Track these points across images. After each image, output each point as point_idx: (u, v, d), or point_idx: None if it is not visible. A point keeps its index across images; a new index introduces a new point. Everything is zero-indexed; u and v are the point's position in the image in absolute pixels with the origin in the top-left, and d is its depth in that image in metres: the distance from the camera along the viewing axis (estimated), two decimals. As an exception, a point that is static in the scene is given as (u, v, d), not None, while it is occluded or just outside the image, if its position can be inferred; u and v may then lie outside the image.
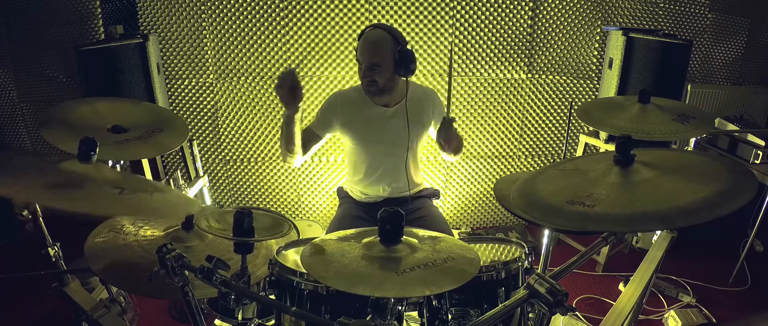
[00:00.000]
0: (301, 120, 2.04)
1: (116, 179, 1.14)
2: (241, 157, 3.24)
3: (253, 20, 2.94)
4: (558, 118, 3.31)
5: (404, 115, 2.12)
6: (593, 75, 3.21)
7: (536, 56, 3.14)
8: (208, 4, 2.91)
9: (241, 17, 2.94)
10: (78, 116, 1.75)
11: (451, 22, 3.00)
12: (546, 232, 1.78)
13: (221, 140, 3.20)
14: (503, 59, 3.12)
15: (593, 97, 3.24)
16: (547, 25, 3.09)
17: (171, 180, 2.72)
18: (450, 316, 1.35)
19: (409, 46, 2.04)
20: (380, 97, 2.13)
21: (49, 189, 1.02)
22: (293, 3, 2.91)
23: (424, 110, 2.21)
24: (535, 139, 3.34)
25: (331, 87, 3.07)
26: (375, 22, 2.94)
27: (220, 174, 3.29)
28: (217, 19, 2.94)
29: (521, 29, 3.07)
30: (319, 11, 2.93)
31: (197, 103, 3.11)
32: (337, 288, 1.12)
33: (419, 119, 2.20)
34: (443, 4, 2.96)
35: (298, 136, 2.06)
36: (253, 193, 3.35)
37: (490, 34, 3.06)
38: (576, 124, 3.31)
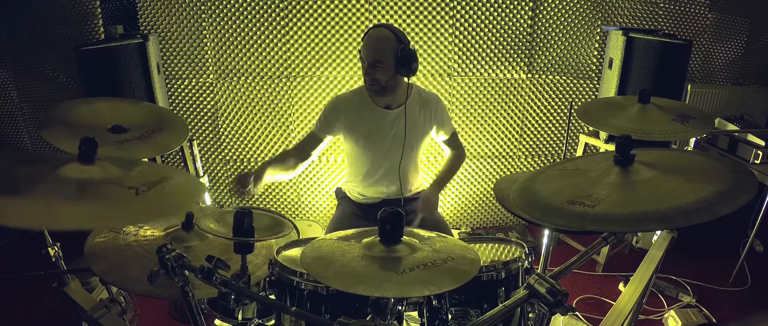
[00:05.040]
0: (275, 167, 2.09)
1: (121, 175, 1.13)
2: (241, 157, 3.24)
3: (253, 20, 2.94)
4: (558, 118, 3.31)
5: (405, 118, 2.12)
6: (593, 75, 3.21)
7: (536, 56, 3.14)
8: (208, 4, 2.91)
9: (241, 17, 2.94)
10: (78, 116, 1.74)
11: (451, 22, 3.00)
12: (546, 232, 1.78)
13: (221, 140, 3.20)
14: (503, 59, 3.12)
15: (593, 97, 3.24)
16: (547, 25, 3.09)
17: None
18: (450, 316, 1.35)
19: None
20: (382, 98, 2.12)
21: (58, 203, 0.97)
22: (293, 3, 2.91)
23: (425, 115, 2.21)
24: (535, 139, 3.34)
25: (331, 87, 3.07)
26: (375, 22, 2.95)
27: (220, 175, 3.29)
28: (217, 19, 2.94)
29: (521, 29, 3.07)
30: (319, 11, 2.93)
31: (197, 103, 3.11)
32: (337, 288, 1.12)
33: (419, 123, 2.20)
34: (443, 4, 2.96)
35: (283, 172, 2.13)
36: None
37: (490, 34, 3.06)
38: (576, 124, 3.31)
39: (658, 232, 1.86)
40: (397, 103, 2.16)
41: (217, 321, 1.73)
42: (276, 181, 2.06)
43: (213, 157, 3.24)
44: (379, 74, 2.02)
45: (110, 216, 0.96)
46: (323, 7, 2.92)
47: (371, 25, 2.10)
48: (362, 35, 2.08)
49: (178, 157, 3.15)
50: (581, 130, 3.19)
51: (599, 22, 3.11)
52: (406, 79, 2.08)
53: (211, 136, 3.19)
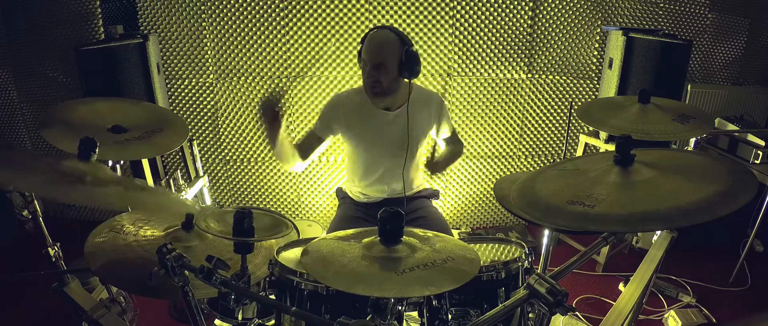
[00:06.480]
0: (289, 135, 2.07)
1: (117, 180, 1.14)
2: (241, 156, 3.24)
3: (253, 20, 2.94)
4: (558, 118, 3.31)
5: (405, 119, 2.11)
6: (593, 75, 3.21)
7: (536, 56, 3.14)
8: (208, 4, 2.91)
9: (241, 17, 2.94)
10: (78, 116, 1.75)
11: (451, 22, 3.00)
12: (546, 232, 1.78)
13: (221, 140, 3.20)
14: (503, 59, 3.12)
15: (593, 97, 3.24)
16: (547, 25, 3.09)
17: (171, 180, 2.72)
18: (450, 316, 1.35)
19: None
20: (382, 100, 2.10)
21: (61, 181, 1.01)
22: (293, 3, 2.91)
23: (425, 115, 2.20)
24: (535, 139, 3.34)
25: (331, 87, 3.07)
26: (375, 22, 2.95)
27: (220, 174, 3.29)
28: (217, 19, 2.94)
29: (521, 29, 3.07)
30: (319, 11, 2.93)
31: (197, 103, 3.11)
32: (337, 288, 1.12)
33: (420, 123, 2.19)
34: (443, 4, 2.96)
35: (290, 149, 2.11)
36: (253, 193, 3.35)
37: (490, 34, 3.06)
38: (576, 124, 3.31)
39: (658, 232, 1.86)
40: (397, 104, 2.15)
41: (217, 321, 1.73)
42: (286, 149, 2.08)
43: (213, 156, 3.24)
44: (382, 77, 2.00)
45: (98, 199, 1.00)
46: (323, 7, 2.92)
47: (372, 27, 2.08)
48: (362, 36, 2.07)
49: (178, 157, 3.15)
50: (581, 130, 3.19)
51: (599, 22, 3.11)
52: (407, 82, 2.07)
53: (211, 136, 3.19)
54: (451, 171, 3.33)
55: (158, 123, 1.81)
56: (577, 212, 1.12)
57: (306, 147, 2.22)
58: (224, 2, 2.91)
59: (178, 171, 2.99)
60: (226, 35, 2.97)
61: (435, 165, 2.29)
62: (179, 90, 3.08)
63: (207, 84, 3.07)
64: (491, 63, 3.12)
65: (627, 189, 1.18)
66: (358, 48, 2.09)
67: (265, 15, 2.94)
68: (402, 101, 2.14)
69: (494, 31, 3.06)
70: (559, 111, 3.29)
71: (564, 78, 3.21)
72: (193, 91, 3.09)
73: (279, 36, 2.98)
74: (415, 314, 1.45)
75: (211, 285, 1.16)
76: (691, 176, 1.19)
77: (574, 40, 3.14)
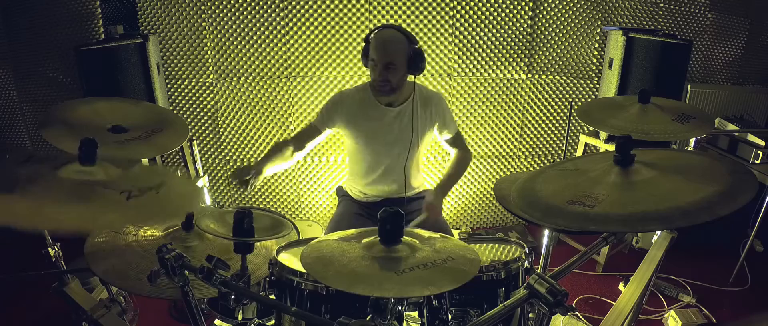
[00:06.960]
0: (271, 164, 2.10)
1: (119, 176, 1.13)
2: (241, 157, 3.24)
3: (253, 20, 2.94)
4: (558, 118, 3.31)
5: (408, 116, 2.13)
6: (593, 75, 3.21)
7: (536, 56, 3.14)
8: (208, 4, 2.91)
9: (241, 17, 2.94)
10: (78, 116, 1.75)
11: (451, 22, 3.00)
12: (546, 232, 1.78)
13: (221, 140, 3.20)
14: (503, 59, 3.12)
15: (593, 97, 3.24)
16: (547, 25, 3.09)
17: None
18: (450, 316, 1.35)
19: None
20: (386, 96, 2.13)
21: (52, 204, 1.00)
22: (293, 3, 2.91)
23: (426, 113, 2.21)
24: (535, 139, 3.34)
25: (331, 87, 3.07)
26: (375, 22, 2.95)
27: (220, 175, 3.29)
28: (217, 19, 2.94)
29: (521, 29, 3.07)
30: (319, 11, 2.93)
31: (197, 103, 3.11)
32: (337, 288, 1.12)
33: (422, 121, 2.20)
34: (443, 4, 2.96)
35: (278, 164, 2.14)
36: (253, 193, 3.35)
37: (490, 34, 3.06)
38: (576, 124, 3.31)
39: (658, 232, 1.86)
40: (399, 101, 2.17)
41: (217, 321, 1.73)
42: (276, 173, 2.10)
43: (213, 156, 3.24)
44: (391, 75, 2.03)
45: (100, 219, 0.98)
46: (323, 7, 2.92)
47: (376, 26, 2.09)
48: (365, 35, 2.08)
49: (178, 157, 3.15)
50: (581, 130, 3.19)
51: (599, 22, 3.11)
52: (412, 78, 2.09)
53: (211, 136, 3.19)
54: (451, 171, 3.33)
55: (158, 123, 1.81)
56: (577, 212, 1.12)
57: (304, 138, 2.23)
58: (224, 2, 2.91)
59: (178, 171, 2.99)
60: (226, 35, 2.97)
61: (432, 207, 2.09)
62: (179, 90, 3.08)
63: (207, 84, 3.07)
64: (491, 63, 3.12)
65: (627, 189, 1.18)
66: (361, 47, 2.10)
67: (265, 15, 2.94)
68: (404, 98, 2.16)
69: (494, 31, 3.06)
70: (559, 111, 3.29)
71: (564, 78, 3.21)
72: (193, 91, 3.09)
73: (279, 36, 2.98)
74: (415, 314, 1.45)
75: (211, 285, 1.16)
76: (691, 176, 1.19)
77: (574, 40, 3.14)
